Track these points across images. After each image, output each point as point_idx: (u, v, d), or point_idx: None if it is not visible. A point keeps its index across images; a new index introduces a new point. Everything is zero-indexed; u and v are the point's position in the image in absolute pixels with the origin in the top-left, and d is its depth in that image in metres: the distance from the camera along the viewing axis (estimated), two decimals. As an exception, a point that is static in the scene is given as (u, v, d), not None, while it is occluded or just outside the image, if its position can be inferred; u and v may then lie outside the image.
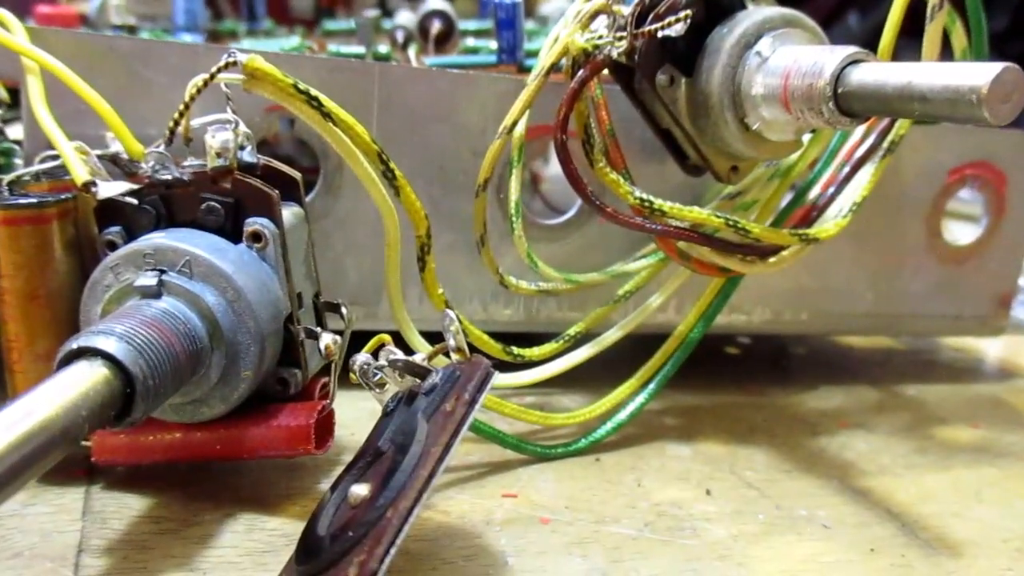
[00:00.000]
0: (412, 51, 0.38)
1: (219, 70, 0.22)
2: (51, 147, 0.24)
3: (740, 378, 0.36)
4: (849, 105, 0.23)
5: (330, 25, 0.53)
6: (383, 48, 0.36)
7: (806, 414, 0.33)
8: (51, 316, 0.22)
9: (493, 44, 0.38)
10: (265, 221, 0.22)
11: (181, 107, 0.22)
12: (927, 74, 0.21)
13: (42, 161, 0.24)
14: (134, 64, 0.27)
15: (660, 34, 0.25)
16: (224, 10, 0.57)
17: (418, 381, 0.21)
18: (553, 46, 0.27)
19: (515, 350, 0.28)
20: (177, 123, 0.22)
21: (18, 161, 0.28)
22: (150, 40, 0.29)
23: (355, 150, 0.23)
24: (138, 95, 0.27)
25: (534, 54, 0.37)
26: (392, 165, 0.23)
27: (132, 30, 0.42)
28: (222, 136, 0.22)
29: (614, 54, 0.25)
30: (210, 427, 0.22)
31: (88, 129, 0.26)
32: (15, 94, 0.28)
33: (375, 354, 0.23)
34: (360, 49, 0.35)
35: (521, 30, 0.35)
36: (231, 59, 0.21)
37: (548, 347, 0.29)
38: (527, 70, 0.36)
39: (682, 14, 0.24)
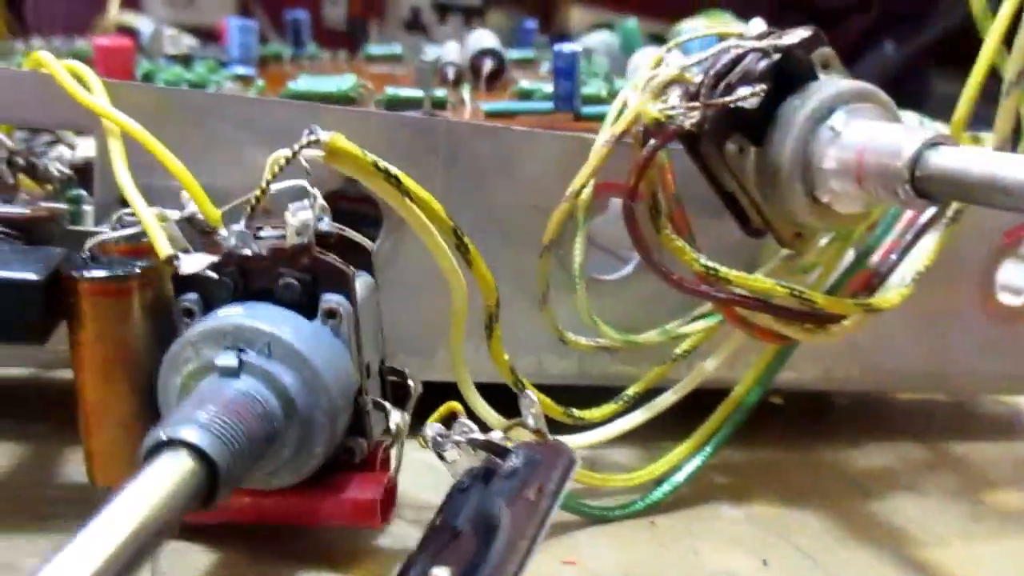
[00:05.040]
0: (466, 92, 0.38)
1: (301, 148, 0.22)
2: (124, 202, 0.24)
3: (786, 432, 0.36)
4: (927, 188, 0.23)
5: (373, 50, 0.52)
6: (440, 92, 0.36)
7: (855, 474, 0.33)
8: (129, 383, 0.22)
9: (546, 86, 0.38)
10: (340, 298, 0.22)
11: (263, 184, 0.22)
12: (1013, 167, 0.21)
13: (119, 220, 0.24)
14: (203, 117, 0.27)
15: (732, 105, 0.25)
16: (267, 34, 0.57)
17: (493, 457, 0.21)
18: (622, 112, 0.27)
19: (575, 412, 0.28)
20: (259, 200, 0.22)
21: (87, 208, 0.28)
22: (220, 95, 0.29)
23: (429, 225, 0.23)
24: (206, 146, 0.28)
25: (590, 100, 0.37)
26: (466, 240, 0.23)
27: (187, 59, 0.42)
28: (302, 215, 0.22)
29: (686, 124, 0.25)
30: (279, 494, 0.23)
31: (156, 180, 0.26)
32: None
33: (446, 422, 0.23)
34: (418, 92, 0.35)
35: (579, 79, 0.35)
36: (313, 137, 0.22)
37: (606, 408, 0.29)
38: (583, 118, 0.36)
39: (758, 89, 0.24)
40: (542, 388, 0.28)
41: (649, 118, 0.25)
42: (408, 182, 0.22)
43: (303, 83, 0.37)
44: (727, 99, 0.24)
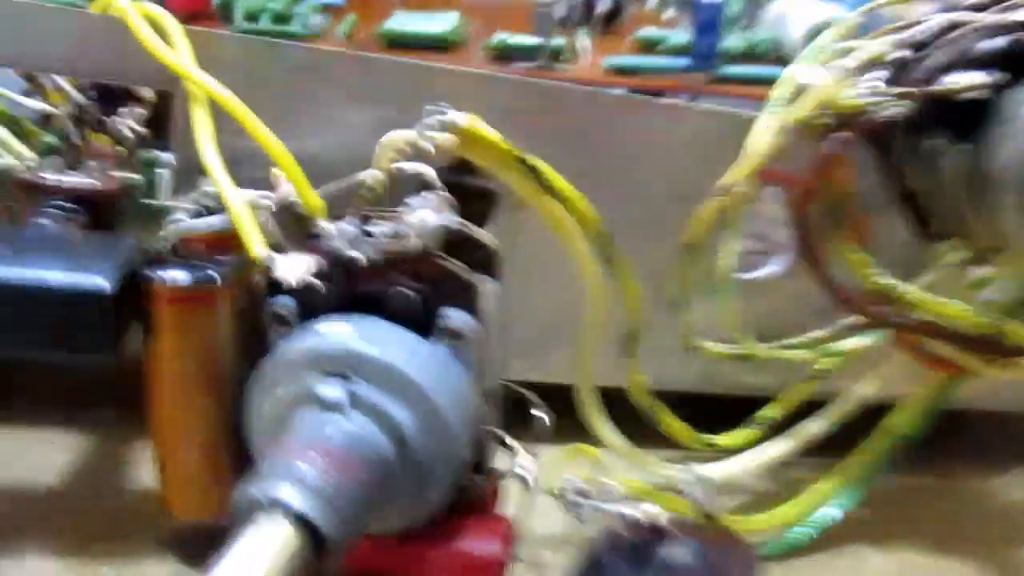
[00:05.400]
0: (583, 40, 0.34)
1: (429, 130, 0.18)
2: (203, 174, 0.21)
3: (921, 450, 0.32)
4: None
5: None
6: (556, 41, 0.31)
7: (1009, 509, 0.29)
8: (212, 401, 0.19)
9: (672, 35, 0.33)
10: (465, 317, 0.18)
11: (379, 176, 0.18)
12: None
13: (201, 197, 0.20)
14: (301, 75, 0.23)
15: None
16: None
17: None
18: (799, 94, 0.22)
19: (714, 440, 0.24)
20: (376, 195, 0.18)
21: (160, 171, 0.25)
22: (322, 50, 0.25)
23: (571, 226, 0.19)
24: (302, 108, 0.24)
25: (728, 57, 0.32)
26: (615, 248, 0.19)
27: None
28: (424, 215, 0.18)
29: (887, 115, 0.21)
30: (381, 539, 0.19)
31: (241, 141, 0.22)
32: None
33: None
34: (531, 40, 0.31)
35: (720, 34, 0.30)
36: (444, 118, 0.18)
37: (741, 434, 0.25)
38: (720, 80, 0.31)
39: (996, 77, 0.19)
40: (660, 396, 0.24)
41: (843, 107, 0.21)
42: (552, 176, 0.19)
43: (400, 21, 0.33)
44: (952, 88, 0.20)
